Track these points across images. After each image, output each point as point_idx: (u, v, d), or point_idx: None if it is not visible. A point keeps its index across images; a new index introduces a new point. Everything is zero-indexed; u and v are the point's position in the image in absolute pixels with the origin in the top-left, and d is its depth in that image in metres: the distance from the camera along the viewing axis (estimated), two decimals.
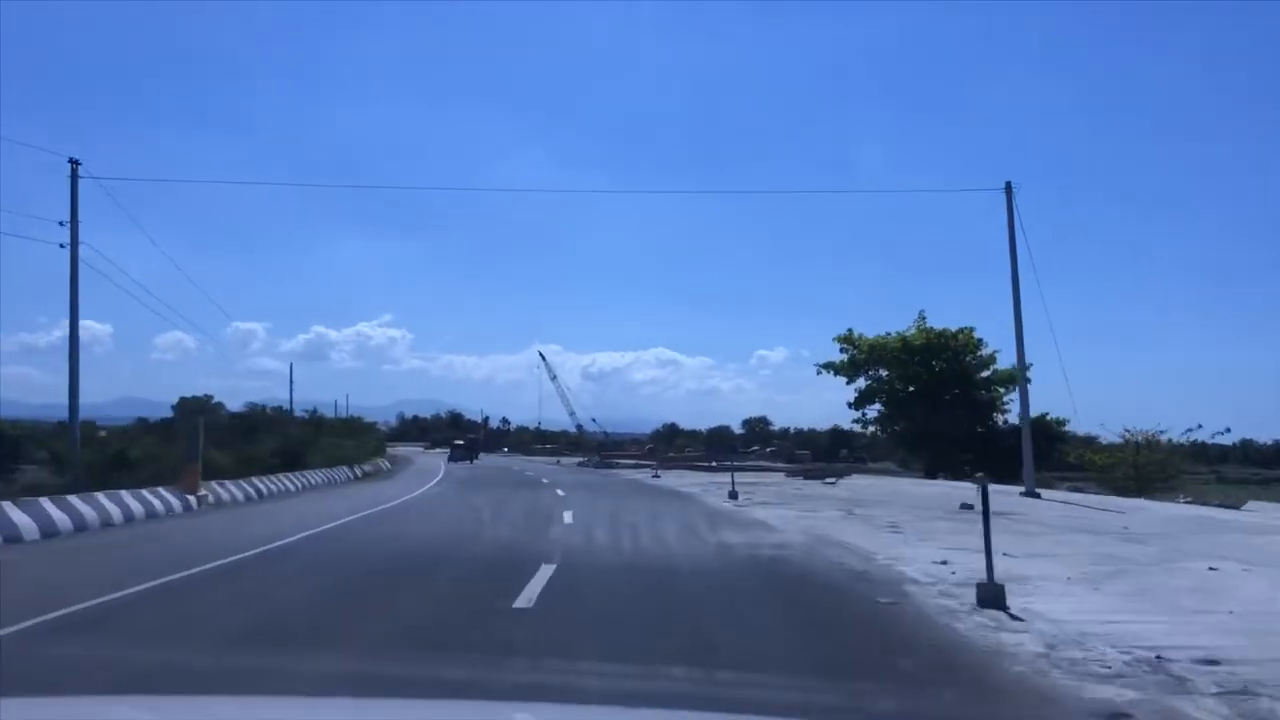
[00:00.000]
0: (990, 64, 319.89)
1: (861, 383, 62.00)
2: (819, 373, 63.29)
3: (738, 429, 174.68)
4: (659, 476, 46.56)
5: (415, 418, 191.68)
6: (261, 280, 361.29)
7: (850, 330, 61.71)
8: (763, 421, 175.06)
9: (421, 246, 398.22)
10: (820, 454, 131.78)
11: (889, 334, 60.93)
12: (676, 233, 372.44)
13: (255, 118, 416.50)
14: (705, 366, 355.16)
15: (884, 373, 61.27)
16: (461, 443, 73.90)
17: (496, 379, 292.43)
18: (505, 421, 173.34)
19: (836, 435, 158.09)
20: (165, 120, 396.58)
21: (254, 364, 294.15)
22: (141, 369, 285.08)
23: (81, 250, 27.90)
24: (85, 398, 31.17)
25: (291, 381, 72.77)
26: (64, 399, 29.19)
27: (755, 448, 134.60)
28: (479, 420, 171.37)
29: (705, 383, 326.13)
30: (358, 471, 49.52)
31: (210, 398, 78.24)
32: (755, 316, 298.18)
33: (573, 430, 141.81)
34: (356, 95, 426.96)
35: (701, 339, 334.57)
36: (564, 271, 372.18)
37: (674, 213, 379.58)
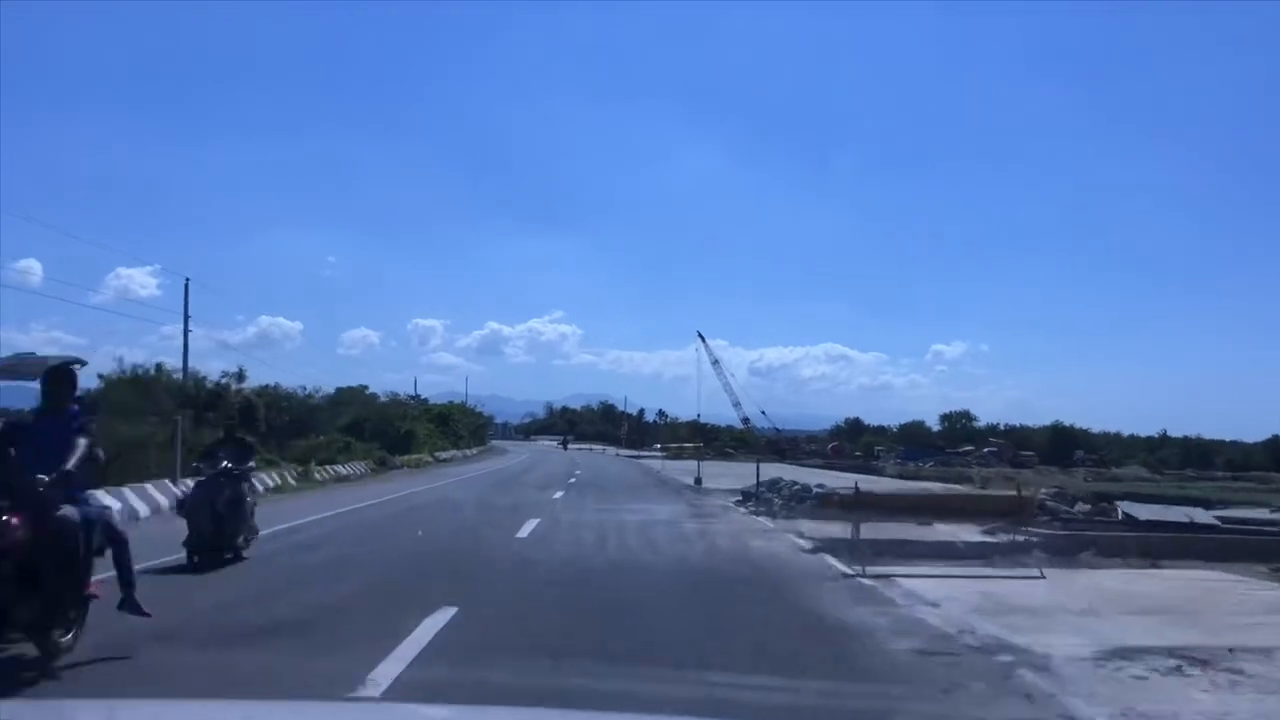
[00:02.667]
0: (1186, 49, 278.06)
1: None
2: None
3: (928, 424, 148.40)
4: None
5: (565, 408, 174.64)
6: (440, 277, 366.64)
7: None
8: (965, 416, 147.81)
9: (591, 243, 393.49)
10: (1045, 456, 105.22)
11: None
12: (847, 224, 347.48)
13: (432, 117, 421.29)
14: (878, 362, 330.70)
15: None
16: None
17: (664, 374, 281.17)
18: (662, 415, 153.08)
19: (1059, 432, 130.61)
20: (344, 120, 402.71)
21: (434, 359, 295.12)
22: (330, 364, 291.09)
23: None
24: None
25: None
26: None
27: (969, 448, 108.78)
28: (632, 412, 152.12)
29: (878, 378, 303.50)
30: None
31: (365, 388, 73.05)
32: (931, 310, 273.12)
33: (738, 424, 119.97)
34: (528, 93, 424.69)
35: (874, 333, 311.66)
36: (732, 266, 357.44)
37: (844, 204, 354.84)
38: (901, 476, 70.08)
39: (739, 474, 34.68)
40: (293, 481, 27.53)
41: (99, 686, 5.96)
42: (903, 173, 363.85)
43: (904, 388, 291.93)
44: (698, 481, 33.64)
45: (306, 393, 45.55)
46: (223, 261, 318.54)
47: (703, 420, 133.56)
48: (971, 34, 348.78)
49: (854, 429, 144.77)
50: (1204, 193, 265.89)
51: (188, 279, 40.39)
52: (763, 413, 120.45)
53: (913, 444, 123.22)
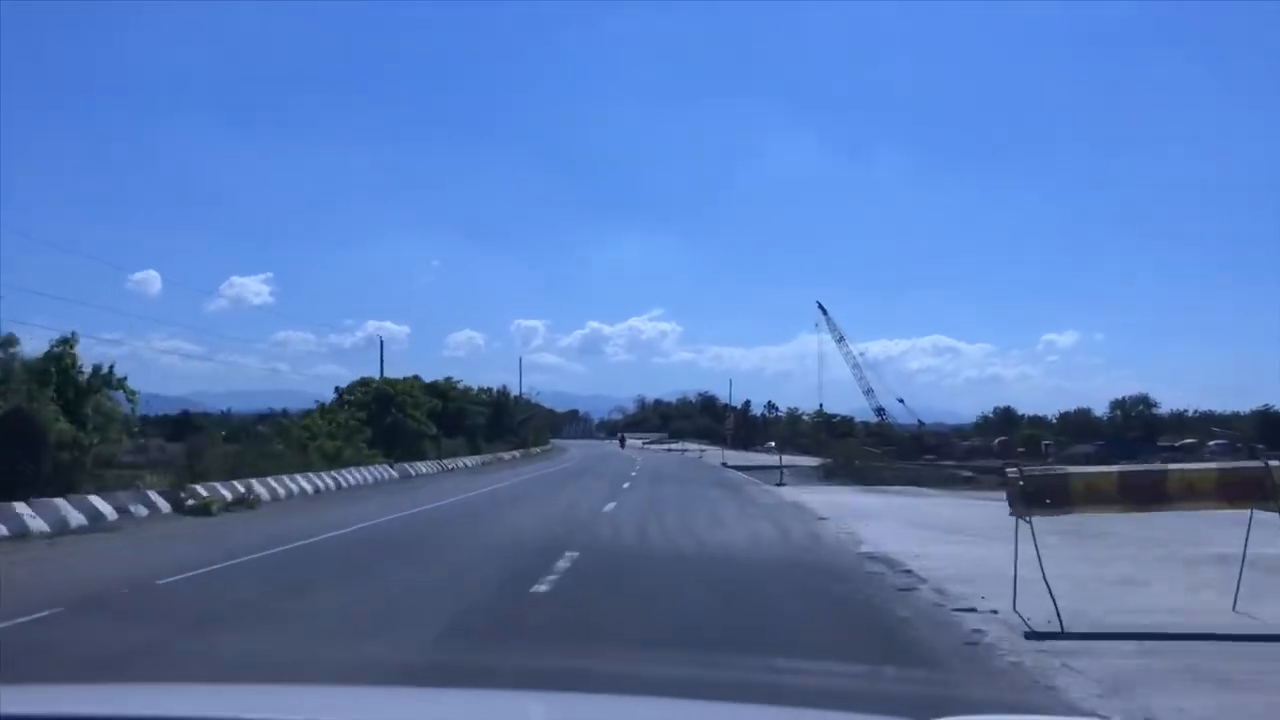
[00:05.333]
0: None
1: None
2: None
3: (1095, 412, 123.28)
4: None
5: (658, 401, 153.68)
6: (541, 278, 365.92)
7: None
8: (1143, 402, 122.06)
9: (689, 238, 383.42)
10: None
11: None
12: (952, 212, 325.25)
13: (528, 118, 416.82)
14: (986, 353, 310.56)
15: None
16: None
17: (765, 370, 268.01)
18: (771, 407, 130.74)
19: (1268, 420, 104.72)
20: (443, 125, 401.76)
21: (535, 359, 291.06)
22: (435, 365, 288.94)
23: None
24: None
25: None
26: None
27: (1187, 441, 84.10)
28: (736, 406, 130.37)
29: (986, 370, 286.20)
30: None
31: (458, 382, 66.55)
32: (1041, 299, 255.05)
33: (870, 416, 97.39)
34: (623, 88, 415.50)
35: (982, 324, 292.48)
36: (833, 258, 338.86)
37: (948, 192, 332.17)
38: None
39: None
40: None
41: None
42: (1007, 156, 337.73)
43: (1014, 380, 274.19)
44: None
45: None
46: (330, 268, 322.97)
47: (824, 411, 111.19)
48: (1076, 10, 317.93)
49: (1005, 420, 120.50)
50: None
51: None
52: (900, 400, 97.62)
53: (1079, 435, 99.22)
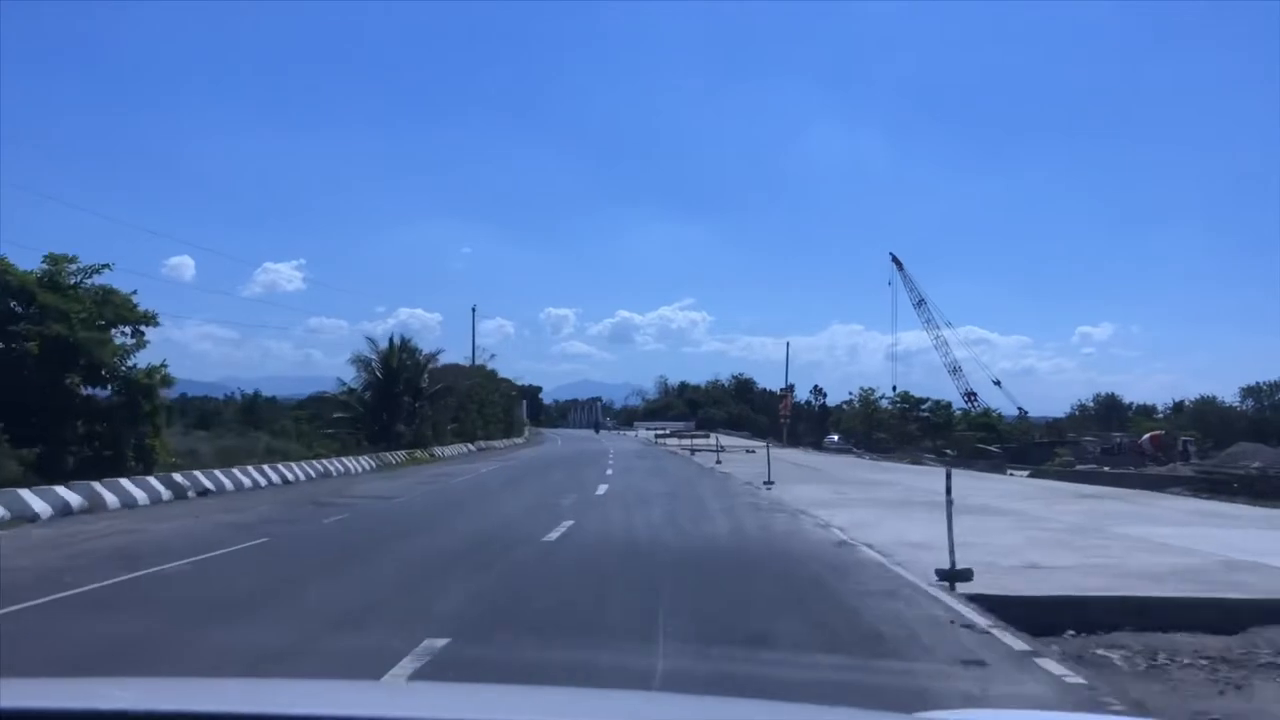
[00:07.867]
0: None
1: None
2: None
3: (1222, 400, 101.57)
4: None
5: (683, 385, 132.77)
6: (572, 266, 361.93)
7: None
8: (1275, 390, 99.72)
9: (721, 227, 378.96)
10: None
11: None
12: (987, 202, 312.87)
13: (561, 105, 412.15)
14: (1020, 345, 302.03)
15: None
16: None
17: (795, 360, 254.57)
18: (819, 393, 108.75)
19: None
20: (475, 112, 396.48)
21: (566, 348, 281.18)
22: (467, 352, 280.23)
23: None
24: None
25: None
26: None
27: None
28: (777, 390, 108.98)
29: (1020, 363, 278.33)
30: None
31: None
32: (1077, 291, 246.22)
33: (959, 402, 75.99)
34: (657, 77, 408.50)
35: (1016, 316, 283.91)
36: (865, 250, 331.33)
37: (983, 181, 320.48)
38: None
39: None
40: None
41: None
42: (1045, 146, 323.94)
43: (1048, 372, 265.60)
44: None
45: None
46: (362, 256, 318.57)
47: (899, 392, 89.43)
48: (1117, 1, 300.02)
49: (1108, 409, 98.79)
50: None
51: None
52: (997, 383, 76.31)
53: (1211, 430, 77.52)
